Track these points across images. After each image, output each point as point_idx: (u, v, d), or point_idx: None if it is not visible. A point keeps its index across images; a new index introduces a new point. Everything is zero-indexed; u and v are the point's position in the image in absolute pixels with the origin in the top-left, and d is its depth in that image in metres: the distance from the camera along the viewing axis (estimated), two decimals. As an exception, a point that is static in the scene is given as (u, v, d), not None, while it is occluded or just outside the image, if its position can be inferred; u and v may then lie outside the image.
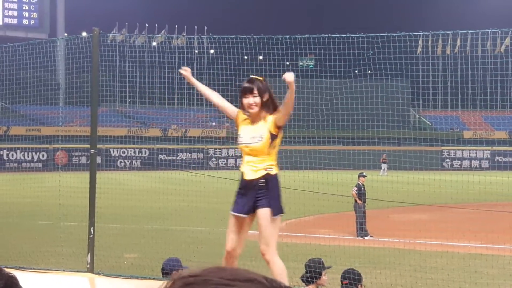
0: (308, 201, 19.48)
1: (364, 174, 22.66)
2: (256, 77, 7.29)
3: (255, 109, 7.15)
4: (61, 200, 13.59)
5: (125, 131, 64.55)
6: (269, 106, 7.19)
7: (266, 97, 7.15)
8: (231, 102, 7.69)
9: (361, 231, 21.52)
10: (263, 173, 7.14)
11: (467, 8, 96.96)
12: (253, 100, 7.15)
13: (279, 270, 7.04)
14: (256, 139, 7.13)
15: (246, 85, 7.19)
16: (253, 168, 7.15)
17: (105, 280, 9.89)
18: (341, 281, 9.93)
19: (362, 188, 22.02)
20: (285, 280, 6.98)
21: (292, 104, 7.07)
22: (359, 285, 9.82)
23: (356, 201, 21.88)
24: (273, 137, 7.15)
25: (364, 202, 21.83)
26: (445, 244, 18.33)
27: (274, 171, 7.20)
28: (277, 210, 7.16)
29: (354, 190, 21.98)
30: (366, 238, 21.08)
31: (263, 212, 7.11)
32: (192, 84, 7.84)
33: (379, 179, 37.48)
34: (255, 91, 7.14)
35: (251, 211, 7.15)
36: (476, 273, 15.21)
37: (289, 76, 6.76)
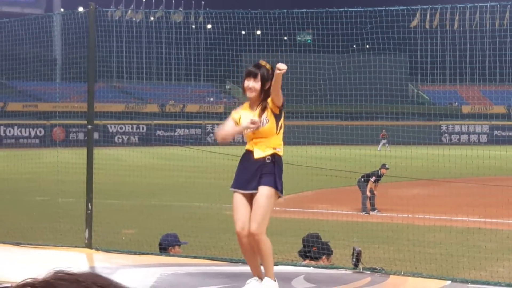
0: (307, 176, 19.45)
1: (387, 166, 22.56)
2: (264, 63, 7.24)
3: (253, 94, 7.14)
4: (59, 176, 13.58)
5: (122, 107, 64.41)
6: (269, 94, 7.16)
7: (267, 85, 7.13)
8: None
9: (365, 206, 21.64)
10: (271, 151, 7.12)
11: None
12: (252, 84, 7.13)
13: (268, 250, 7.04)
14: (261, 122, 7.08)
15: (252, 69, 7.20)
16: (261, 147, 7.12)
17: (103, 255, 9.88)
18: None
19: (379, 178, 22.15)
20: (270, 258, 7.11)
21: (275, 92, 7.04)
22: (325, 257, 9.91)
23: (364, 181, 21.91)
24: (277, 116, 7.12)
25: (375, 182, 21.98)
26: (444, 218, 18.36)
27: (281, 152, 7.20)
28: (280, 189, 7.15)
29: (372, 179, 21.94)
30: (372, 213, 21.26)
31: (265, 190, 7.05)
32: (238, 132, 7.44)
33: (376, 154, 37.47)
34: (258, 77, 7.12)
35: (256, 188, 7.08)
36: (474, 247, 15.25)
37: (283, 66, 6.77)
